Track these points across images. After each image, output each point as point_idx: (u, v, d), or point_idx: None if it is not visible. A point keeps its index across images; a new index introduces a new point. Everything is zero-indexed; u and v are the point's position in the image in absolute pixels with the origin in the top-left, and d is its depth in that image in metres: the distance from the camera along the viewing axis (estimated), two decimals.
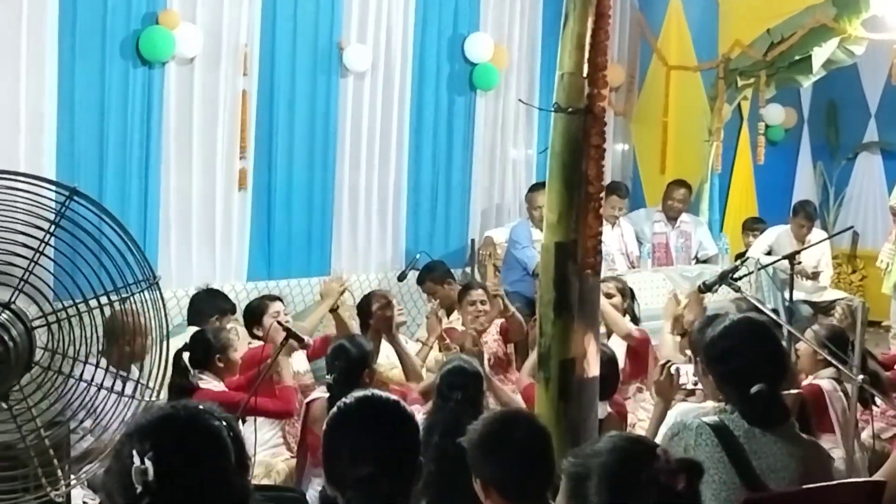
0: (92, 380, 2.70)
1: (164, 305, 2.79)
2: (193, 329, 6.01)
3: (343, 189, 7.97)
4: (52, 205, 2.79)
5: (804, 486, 3.14)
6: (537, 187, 7.82)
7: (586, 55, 3.75)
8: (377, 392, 2.71)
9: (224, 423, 2.01)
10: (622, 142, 9.98)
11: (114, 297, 2.71)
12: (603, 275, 4.53)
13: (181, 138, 6.96)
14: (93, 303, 2.72)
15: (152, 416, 2.02)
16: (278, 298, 6.23)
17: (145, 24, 6.65)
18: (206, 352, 5.17)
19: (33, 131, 6.14)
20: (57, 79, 6.26)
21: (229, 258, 7.35)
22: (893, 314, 8.37)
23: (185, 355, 5.13)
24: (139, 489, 1.88)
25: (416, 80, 8.32)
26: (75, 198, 2.71)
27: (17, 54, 6.01)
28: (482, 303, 6.53)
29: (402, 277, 7.88)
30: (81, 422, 2.91)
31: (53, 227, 2.69)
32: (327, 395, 4.87)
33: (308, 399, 5.25)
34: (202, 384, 5.07)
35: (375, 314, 6.21)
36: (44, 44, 6.14)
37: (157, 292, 2.75)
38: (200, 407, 2.07)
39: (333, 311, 6.35)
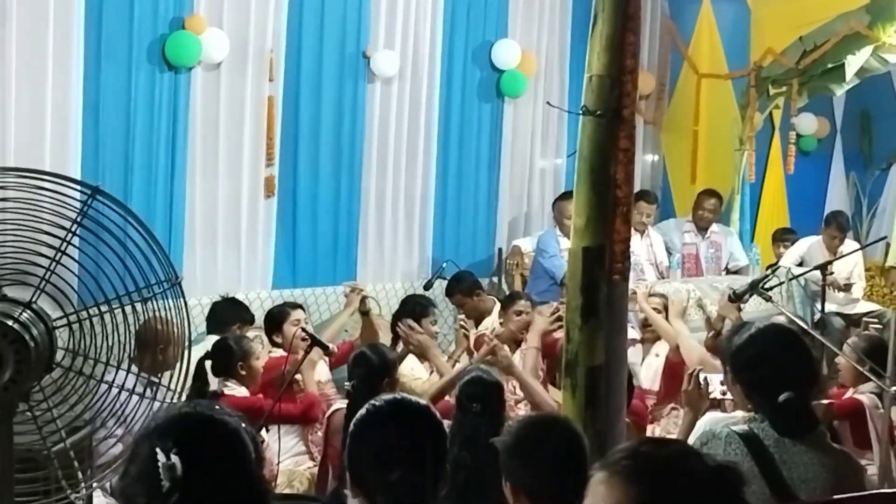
0: (113, 381, 2.66)
1: (186, 307, 2.75)
2: (213, 338, 6.02)
3: (369, 197, 7.95)
4: (77, 205, 2.77)
5: (835, 497, 3.07)
6: (567, 196, 7.76)
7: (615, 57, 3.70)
8: (406, 395, 2.68)
9: (241, 422, 2.00)
10: (652, 151, 9.90)
11: (135, 298, 2.68)
12: (631, 284, 4.46)
13: (207, 144, 6.96)
14: (114, 303, 2.69)
15: (171, 415, 2.00)
16: (299, 306, 6.22)
17: (172, 28, 6.67)
18: (228, 359, 5.19)
19: (59, 136, 6.16)
20: (83, 84, 6.28)
21: (254, 266, 7.34)
22: None
23: (208, 363, 5.16)
24: (167, 485, 1.85)
25: (443, 87, 8.29)
26: (98, 197, 2.68)
27: (44, 59, 6.04)
28: (528, 313, 6.48)
29: (427, 286, 7.83)
30: (103, 424, 2.88)
31: (75, 226, 2.66)
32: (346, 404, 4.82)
33: (329, 411, 5.21)
34: (227, 391, 5.10)
35: (427, 328, 6.14)
36: (70, 48, 6.16)
37: (180, 293, 2.71)
38: (217, 407, 2.05)
39: (364, 313, 6.34)
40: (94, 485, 2.70)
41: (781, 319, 5.59)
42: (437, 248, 8.39)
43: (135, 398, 2.68)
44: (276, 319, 6.05)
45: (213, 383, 5.20)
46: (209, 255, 7.09)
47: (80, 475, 2.67)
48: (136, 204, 6.50)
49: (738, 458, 3.07)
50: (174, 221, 6.86)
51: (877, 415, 4.92)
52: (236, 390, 5.11)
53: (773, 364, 3.17)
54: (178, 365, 3.00)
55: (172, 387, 2.80)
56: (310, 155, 7.59)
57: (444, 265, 7.89)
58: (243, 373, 5.17)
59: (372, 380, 4.71)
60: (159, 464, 1.86)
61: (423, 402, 2.63)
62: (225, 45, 6.85)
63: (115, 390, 2.68)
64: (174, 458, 1.85)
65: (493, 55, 8.52)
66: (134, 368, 2.79)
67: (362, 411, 2.59)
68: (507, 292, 8.21)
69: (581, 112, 3.71)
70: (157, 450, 1.88)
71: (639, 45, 3.79)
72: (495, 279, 8.51)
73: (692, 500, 1.68)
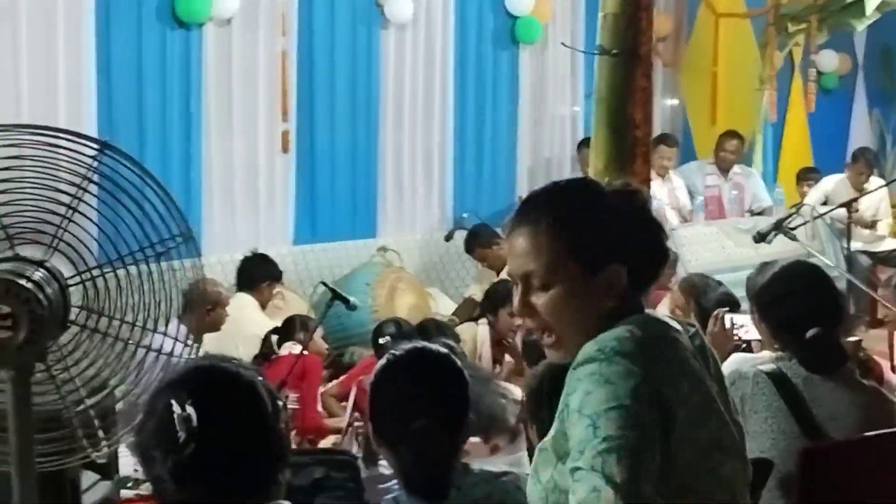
0: (128, 339, 2.63)
1: (201, 262, 2.71)
2: (242, 295, 6.02)
3: (387, 149, 7.90)
4: (89, 162, 2.73)
5: (865, 434, 3.03)
6: (588, 142, 7.75)
7: None
8: (427, 344, 2.65)
9: (254, 371, 1.97)
10: (671, 93, 9.77)
11: (149, 254, 2.64)
12: None
13: (221, 102, 6.91)
14: (127, 259, 2.65)
15: (186, 368, 1.97)
16: None
17: None
18: (289, 331, 5.43)
19: (72, 98, 6.14)
20: (94, 45, 6.22)
21: (274, 221, 7.32)
22: None
23: (274, 338, 5.41)
24: (183, 437, 1.83)
25: (457, 35, 8.20)
26: (107, 152, 2.63)
27: (54, 20, 6.00)
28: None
29: (448, 238, 7.82)
30: (123, 382, 2.85)
31: (86, 182, 2.62)
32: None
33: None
34: (283, 350, 5.28)
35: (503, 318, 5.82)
36: (80, 8, 6.11)
37: (194, 248, 2.67)
38: (233, 360, 2.02)
39: None
40: (114, 442, 2.68)
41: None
42: (457, 198, 8.33)
43: (141, 351, 2.65)
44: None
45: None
46: (228, 213, 7.07)
47: (100, 433, 2.65)
48: (152, 163, 6.43)
49: (766, 398, 3.05)
50: (191, 180, 6.84)
51: None
52: (295, 348, 5.22)
53: (800, 301, 3.15)
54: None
55: (188, 342, 2.78)
56: (326, 108, 7.53)
57: (465, 216, 7.85)
58: (301, 336, 5.31)
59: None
60: (175, 416, 1.83)
61: (443, 350, 2.59)
62: (235, 1, 6.77)
63: (126, 345, 2.65)
64: (189, 410, 1.83)
65: (508, 1, 8.40)
66: (162, 328, 2.75)
67: (383, 361, 2.56)
68: None
69: (596, 52, 3.65)
70: (173, 402, 1.85)
71: None
72: None
73: (602, 213, 1.84)
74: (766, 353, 3.61)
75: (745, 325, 4.45)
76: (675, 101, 9.81)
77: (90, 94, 6.23)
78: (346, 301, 5.54)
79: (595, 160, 3.74)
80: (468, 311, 6.73)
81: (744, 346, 4.44)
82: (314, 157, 7.54)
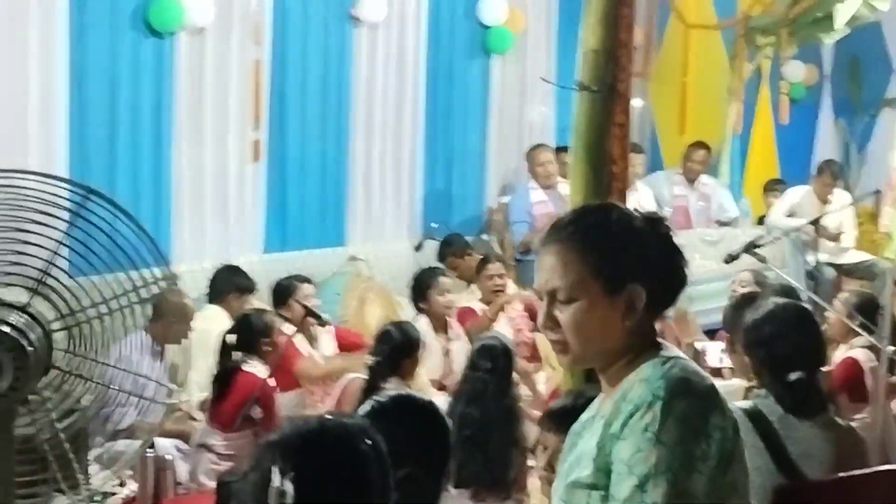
0: (109, 382, 2.63)
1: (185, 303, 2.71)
2: (212, 307, 5.98)
3: (357, 158, 7.86)
4: (65, 202, 2.71)
5: (840, 475, 3.08)
6: (538, 147, 8.07)
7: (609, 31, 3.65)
8: (411, 392, 2.68)
9: (372, 445, 1.92)
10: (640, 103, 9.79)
11: (133, 299, 2.63)
12: None
13: (192, 110, 6.84)
14: (112, 304, 2.65)
15: (300, 431, 1.90)
16: (308, 280, 6.05)
17: None
18: (249, 335, 5.10)
19: (44, 106, 6.04)
20: (68, 51, 6.14)
21: (245, 230, 7.27)
22: None
23: (230, 338, 5.11)
24: None
25: (429, 45, 8.17)
26: (92, 197, 2.62)
27: (26, 30, 5.91)
28: (500, 276, 6.44)
29: (418, 248, 7.81)
30: (103, 425, 2.85)
31: (71, 227, 2.61)
32: (365, 377, 4.81)
33: (346, 380, 5.21)
34: (245, 367, 5.00)
35: (434, 300, 6.08)
36: (53, 15, 6.03)
37: (177, 289, 2.67)
38: (349, 424, 1.96)
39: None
40: (92, 487, 2.68)
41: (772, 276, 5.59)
42: (426, 208, 8.32)
43: (122, 396, 2.63)
44: (283, 293, 5.92)
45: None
46: (197, 222, 7.00)
47: (79, 477, 2.65)
48: (122, 173, 6.46)
49: (743, 435, 3.08)
50: (161, 188, 6.76)
51: (870, 368, 4.92)
52: (256, 368, 5.01)
53: (790, 343, 3.18)
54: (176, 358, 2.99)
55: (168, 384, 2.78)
56: (297, 117, 7.47)
57: (435, 226, 7.85)
58: (267, 349, 5.09)
59: (394, 357, 4.75)
60: (271, 486, 1.80)
61: (426, 398, 2.62)
62: (209, 9, 6.70)
63: (108, 390, 2.65)
64: (287, 484, 1.79)
65: (480, 11, 8.39)
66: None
67: (366, 407, 2.57)
68: (498, 250, 8.20)
69: (576, 88, 3.66)
70: (275, 468, 1.81)
71: (633, 17, 3.74)
72: (485, 237, 8.47)
73: (625, 235, 1.96)
74: (738, 382, 3.65)
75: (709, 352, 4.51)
76: (643, 103, 9.80)
77: (62, 102, 6.14)
78: (318, 317, 5.55)
79: (573, 195, 3.75)
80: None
81: None
82: (285, 165, 7.50)
